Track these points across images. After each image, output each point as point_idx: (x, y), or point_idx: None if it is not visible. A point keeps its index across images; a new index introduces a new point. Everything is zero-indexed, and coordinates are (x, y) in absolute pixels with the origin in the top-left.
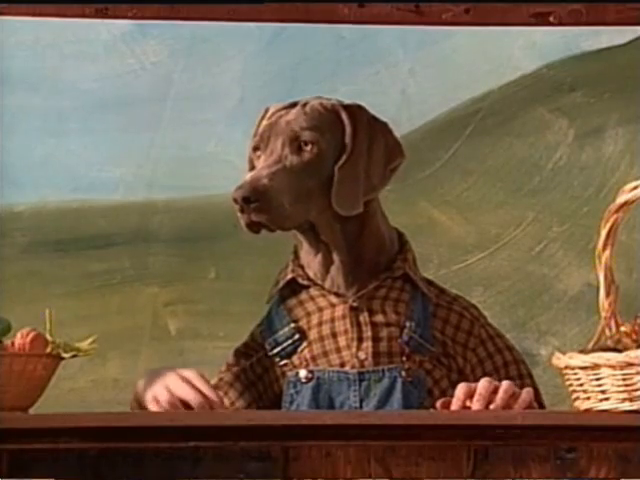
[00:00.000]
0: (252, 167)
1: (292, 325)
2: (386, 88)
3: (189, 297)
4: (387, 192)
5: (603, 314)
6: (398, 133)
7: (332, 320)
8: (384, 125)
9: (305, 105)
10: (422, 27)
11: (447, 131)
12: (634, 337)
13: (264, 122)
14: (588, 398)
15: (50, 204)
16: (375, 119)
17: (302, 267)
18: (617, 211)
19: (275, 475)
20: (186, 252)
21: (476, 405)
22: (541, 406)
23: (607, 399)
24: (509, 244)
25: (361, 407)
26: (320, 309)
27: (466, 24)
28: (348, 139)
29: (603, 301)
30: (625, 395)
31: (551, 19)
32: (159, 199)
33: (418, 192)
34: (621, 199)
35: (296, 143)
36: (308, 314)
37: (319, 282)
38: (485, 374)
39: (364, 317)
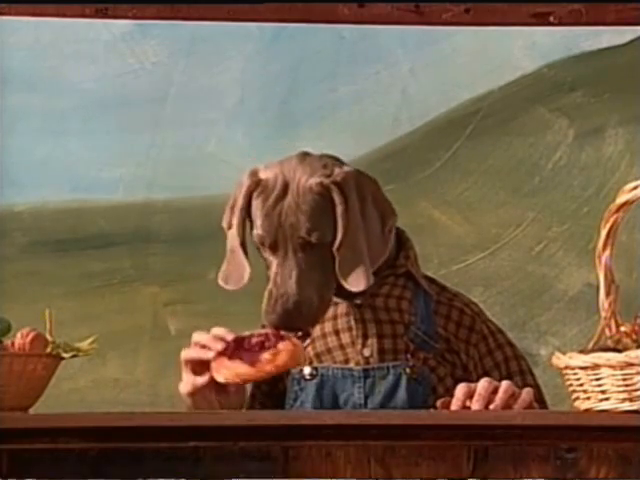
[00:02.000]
0: (241, 243)
1: None
2: (386, 88)
3: (189, 297)
4: (387, 192)
5: (603, 314)
6: (398, 133)
7: (334, 317)
8: (373, 185)
9: (297, 192)
10: (422, 27)
11: (447, 131)
12: (634, 337)
13: (258, 211)
14: (588, 398)
15: (50, 204)
16: (363, 183)
17: None
18: (617, 211)
19: (275, 475)
20: (186, 252)
21: (476, 405)
22: (543, 403)
23: (607, 399)
24: (509, 244)
25: (366, 404)
26: None
27: (466, 24)
28: (341, 219)
29: (603, 301)
30: (625, 395)
31: (551, 19)
32: (159, 199)
33: (418, 192)
34: (621, 199)
35: (306, 245)
36: None
37: None
38: (486, 370)
39: (368, 314)
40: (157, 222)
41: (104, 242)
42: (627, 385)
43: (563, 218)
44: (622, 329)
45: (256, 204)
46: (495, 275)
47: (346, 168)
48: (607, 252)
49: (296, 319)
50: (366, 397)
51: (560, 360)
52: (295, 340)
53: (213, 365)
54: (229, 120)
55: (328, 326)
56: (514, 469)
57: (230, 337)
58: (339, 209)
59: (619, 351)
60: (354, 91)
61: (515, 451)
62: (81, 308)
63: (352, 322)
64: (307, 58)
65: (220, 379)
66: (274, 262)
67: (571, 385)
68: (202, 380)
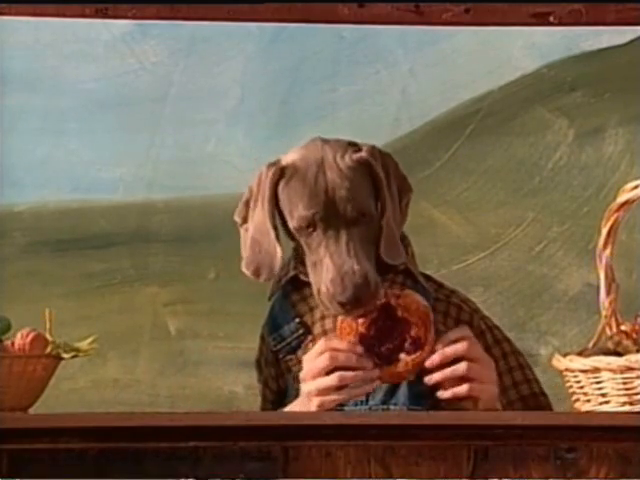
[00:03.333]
0: (276, 235)
1: (297, 320)
2: (386, 88)
3: (189, 297)
4: None
5: (603, 312)
6: (398, 133)
7: (335, 314)
8: (393, 160)
9: (338, 168)
10: (422, 27)
11: (447, 131)
12: (634, 337)
13: (296, 193)
14: (588, 401)
15: (50, 204)
16: (386, 158)
17: (303, 264)
18: (618, 210)
19: (275, 475)
20: (186, 252)
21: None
22: (543, 396)
23: (607, 402)
24: (509, 244)
25: (367, 401)
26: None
27: (466, 24)
28: (385, 192)
29: (603, 300)
30: (625, 399)
31: (551, 19)
32: (159, 199)
33: (418, 192)
34: (622, 198)
35: (355, 220)
36: (311, 309)
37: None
38: None
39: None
40: (157, 222)
41: (104, 242)
42: (627, 389)
43: (563, 218)
44: (622, 328)
45: (291, 187)
46: (495, 275)
47: (368, 145)
48: (607, 251)
49: (366, 294)
50: (367, 394)
51: (560, 362)
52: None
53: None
54: (229, 120)
55: (329, 323)
56: (514, 469)
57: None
58: (383, 183)
59: (619, 354)
60: (354, 91)
61: (515, 451)
62: (81, 308)
63: (352, 319)
64: (307, 58)
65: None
66: (326, 242)
67: (571, 387)
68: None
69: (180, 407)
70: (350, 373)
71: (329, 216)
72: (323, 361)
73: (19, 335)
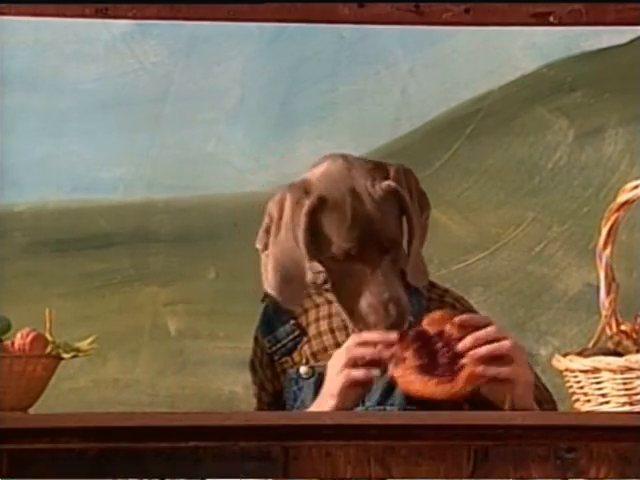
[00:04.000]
0: (314, 255)
1: (292, 322)
2: (386, 88)
3: (189, 297)
4: None
5: (604, 312)
6: (398, 133)
7: (329, 316)
8: (414, 177)
9: (372, 199)
10: (422, 27)
11: (447, 131)
12: (634, 337)
13: (335, 225)
14: (588, 401)
15: (50, 204)
16: (409, 176)
17: None
18: (618, 210)
19: (275, 475)
20: (186, 252)
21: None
22: (544, 388)
23: (607, 402)
24: (509, 244)
25: (363, 402)
26: (317, 305)
27: (466, 24)
28: (411, 220)
29: (604, 299)
30: (625, 399)
31: (551, 19)
32: (159, 199)
33: None
34: (622, 198)
35: (388, 249)
36: (305, 310)
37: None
38: None
39: None
40: (157, 222)
41: (104, 242)
42: (627, 389)
43: (563, 218)
44: (622, 328)
45: (328, 218)
46: (495, 275)
47: (392, 165)
48: (607, 251)
49: (404, 320)
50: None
51: (560, 363)
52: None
53: (404, 378)
54: (229, 120)
55: (323, 324)
56: (514, 469)
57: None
58: (410, 210)
59: (619, 354)
60: (354, 91)
61: (515, 451)
62: (81, 308)
63: (347, 321)
64: (307, 58)
65: (409, 393)
66: (361, 270)
67: (571, 387)
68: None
69: (180, 407)
70: (360, 370)
71: (365, 248)
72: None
73: (19, 335)
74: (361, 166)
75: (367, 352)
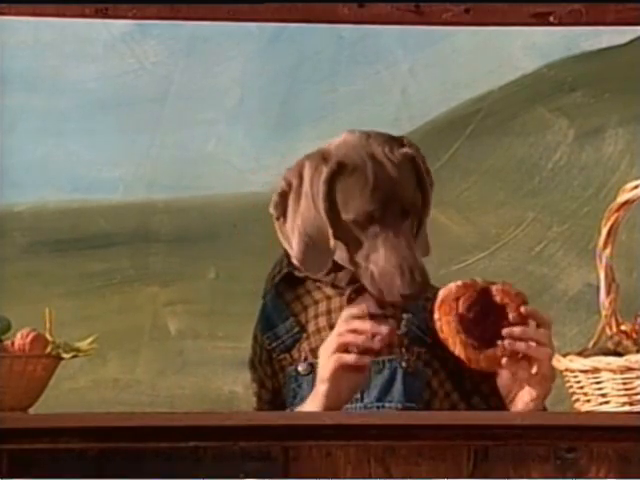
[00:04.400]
0: (336, 226)
1: (292, 319)
2: (386, 88)
3: (189, 297)
4: None
5: (604, 312)
6: (398, 133)
7: (328, 312)
8: (421, 153)
9: (393, 164)
10: (422, 27)
11: (447, 131)
12: (634, 337)
13: (357, 188)
14: (588, 401)
15: (50, 204)
16: (419, 150)
17: None
18: (618, 210)
19: (275, 475)
20: (186, 252)
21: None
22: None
23: (607, 402)
24: (509, 244)
25: (362, 399)
26: (316, 302)
27: (466, 24)
28: (427, 188)
29: (603, 299)
30: (625, 399)
31: (551, 19)
32: (159, 199)
33: None
34: (622, 198)
35: (406, 214)
36: (305, 307)
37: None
38: None
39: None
40: (157, 222)
41: (104, 242)
42: (627, 389)
43: (563, 218)
44: (622, 328)
45: (350, 182)
46: (495, 275)
47: (405, 138)
48: (607, 251)
49: (424, 292)
50: (362, 391)
51: (560, 362)
52: None
53: (447, 317)
54: (229, 120)
55: (322, 321)
56: (514, 469)
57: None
58: (424, 180)
59: (619, 354)
60: (354, 91)
61: (515, 451)
62: (81, 308)
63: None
64: (307, 58)
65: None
66: (384, 235)
67: (571, 387)
68: (351, 359)
69: (180, 407)
70: (351, 355)
71: (388, 211)
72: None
73: (19, 335)
74: (378, 135)
75: (359, 339)
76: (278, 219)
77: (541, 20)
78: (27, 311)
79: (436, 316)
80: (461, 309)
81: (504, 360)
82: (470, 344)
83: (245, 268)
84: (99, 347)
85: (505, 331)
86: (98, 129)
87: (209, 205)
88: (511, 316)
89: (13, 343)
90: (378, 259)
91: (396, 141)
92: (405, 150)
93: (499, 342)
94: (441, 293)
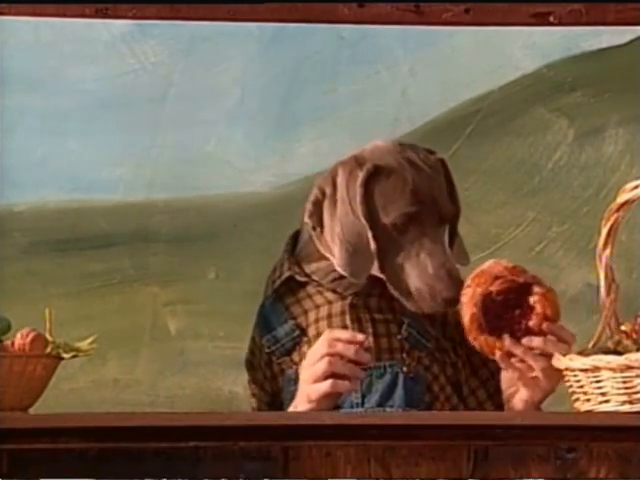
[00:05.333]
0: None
1: (291, 322)
2: (386, 88)
3: (189, 297)
4: None
5: (604, 312)
6: (398, 133)
7: (329, 316)
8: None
9: (429, 168)
10: (422, 27)
11: (447, 131)
12: (634, 337)
13: (396, 191)
14: (588, 400)
15: (50, 204)
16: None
17: (299, 264)
18: (618, 210)
19: (275, 475)
20: (186, 252)
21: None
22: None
23: (607, 401)
24: (509, 244)
25: (363, 403)
26: (317, 306)
27: (466, 24)
28: (458, 193)
29: (603, 300)
30: (625, 398)
31: (551, 19)
32: (159, 199)
33: None
34: (622, 198)
35: (441, 220)
36: (305, 311)
37: (317, 279)
38: (474, 368)
39: (363, 314)
40: (157, 222)
41: (104, 242)
42: (627, 388)
43: (563, 218)
44: (622, 328)
45: (388, 185)
46: None
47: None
48: (607, 251)
49: (460, 291)
50: (363, 396)
51: (560, 362)
52: None
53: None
54: (229, 120)
55: (323, 325)
56: (514, 469)
57: (360, 337)
58: (455, 187)
59: (619, 353)
60: (354, 91)
61: (515, 451)
62: (81, 308)
63: (347, 321)
64: (307, 58)
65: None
66: (420, 239)
67: (571, 386)
68: (345, 388)
69: (180, 407)
70: (344, 383)
71: (426, 214)
72: (321, 367)
73: (19, 335)
74: (408, 143)
75: (348, 370)
76: (314, 229)
77: (541, 20)
78: (27, 311)
79: (467, 282)
80: (493, 288)
81: (498, 354)
82: (478, 321)
83: (245, 268)
84: (99, 347)
85: (525, 340)
86: (98, 129)
87: (209, 205)
88: (532, 323)
89: (13, 343)
90: (418, 265)
91: (426, 149)
92: (438, 156)
93: (505, 336)
94: (487, 264)
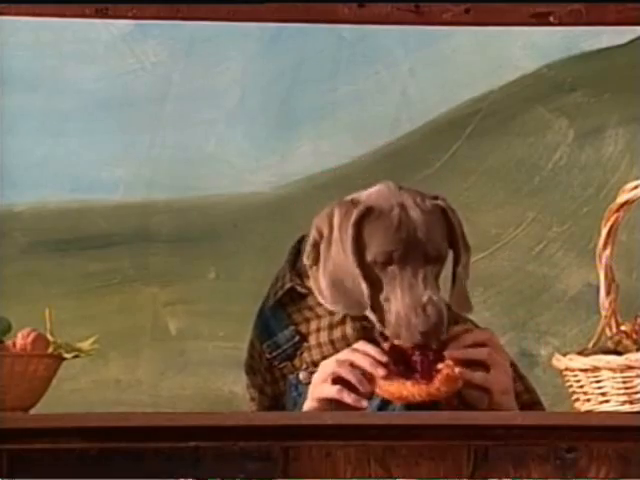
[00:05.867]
0: (363, 270)
1: (292, 328)
2: (386, 88)
3: (189, 297)
4: None
5: (603, 313)
6: (398, 133)
7: (330, 327)
8: (458, 217)
9: (420, 211)
10: (422, 27)
11: (447, 131)
12: (634, 337)
13: (380, 230)
14: (588, 400)
15: (50, 204)
16: (456, 212)
17: (300, 276)
18: (618, 210)
19: (275, 475)
20: (186, 252)
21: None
22: (533, 392)
23: (607, 401)
24: (509, 244)
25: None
26: (318, 316)
27: (466, 24)
28: (459, 240)
29: (603, 300)
30: (625, 398)
31: (551, 19)
32: (159, 199)
33: None
34: (622, 198)
35: (429, 261)
36: (307, 319)
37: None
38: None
39: (362, 324)
40: (157, 222)
41: (104, 242)
42: (627, 388)
43: (563, 218)
44: (622, 328)
45: (374, 225)
46: (495, 275)
47: (439, 196)
48: (607, 251)
49: (440, 330)
50: None
51: (560, 362)
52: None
53: (383, 381)
54: (229, 120)
55: (323, 336)
56: (514, 469)
57: (383, 358)
58: (457, 231)
59: (619, 353)
60: (354, 91)
61: (515, 451)
62: (81, 308)
63: (348, 330)
64: (307, 58)
65: (387, 395)
66: (401, 277)
67: (571, 386)
68: (350, 399)
69: (182, 407)
70: (350, 394)
71: (408, 253)
72: (331, 368)
73: (20, 335)
74: (411, 189)
75: (353, 377)
76: (311, 267)
77: (541, 20)
78: (27, 311)
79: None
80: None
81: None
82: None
83: (245, 268)
84: (100, 347)
85: (442, 366)
86: (98, 129)
87: (209, 205)
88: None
89: (14, 343)
90: (395, 300)
91: (430, 196)
92: (437, 202)
93: (440, 366)
94: None
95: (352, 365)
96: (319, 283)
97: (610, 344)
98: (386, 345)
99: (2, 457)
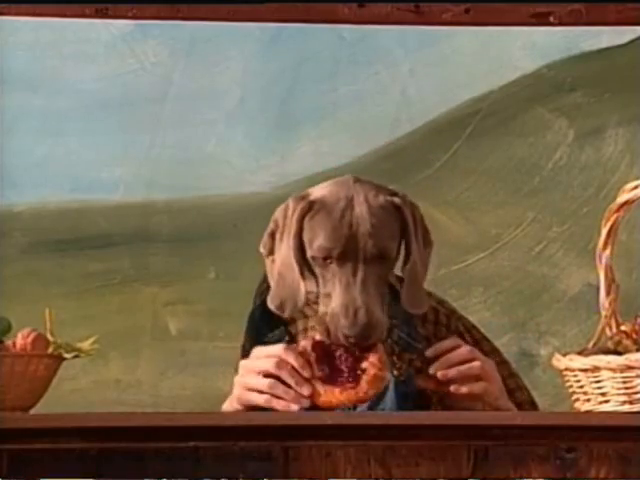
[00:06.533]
0: (300, 265)
1: (282, 328)
2: (386, 88)
3: (189, 297)
4: None
5: (603, 313)
6: (398, 133)
7: (319, 325)
8: (420, 212)
9: (367, 206)
10: (422, 27)
11: (447, 131)
12: (634, 337)
13: (321, 225)
14: (588, 400)
15: (50, 204)
16: (415, 207)
17: None
18: (618, 210)
19: (275, 475)
20: (186, 252)
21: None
22: (527, 390)
23: (607, 401)
24: (509, 244)
25: (355, 407)
26: (306, 316)
27: (466, 24)
28: (411, 239)
29: (603, 300)
30: (625, 398)
31: (551, 19)
32: (159, 199)
33: (418, 192)
34: (622, 198)
35: (373, 259)
36: (294, 319)
37: None
38: None
39: None
40: (157, 222)
41: (104, 242)
42: (627, 388)
43: (563, 218)
44: (622, 328)
45: (316, 220)
46: (495, 275)
47: (400, 192)
48: (607, 251)
49: (374, 331)
50: None
51: (560, 362)
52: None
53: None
54: (229, 120)
55: (311, 335)
56: (514, 469)
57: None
58: (410, 229)
59: (619, 353)
60: (354, 91)
61: (515, 451)
62: (81, 308)
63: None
64: (307, 58)
65: (317, 404)
66: (340, 275)
67: (571, 386)
68: (281, 405)
69: (182, 407)
70: (282, 387)
71: (348, 251)
72: (266, 364)
73: (20, 335)
74: (369, 182)
75: (291, 379)
76: (267, 257)
77: (541, 20)
78: (27, 311)
79: None
80: (315, 374)
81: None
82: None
83: (245, 268)
84: (100, 347)
85: (367, 365)
86: (98, 129)
87: (209, 205)
88: None
89: (14, 343)
90: (334, 297)
91: (387, 190)
92: (391, 199)
93: (363, 365)
94: None
95: (282, 381)
96: (271, 275)
97: (610, 344)
98: (309, 342)
99: (2, 457)
